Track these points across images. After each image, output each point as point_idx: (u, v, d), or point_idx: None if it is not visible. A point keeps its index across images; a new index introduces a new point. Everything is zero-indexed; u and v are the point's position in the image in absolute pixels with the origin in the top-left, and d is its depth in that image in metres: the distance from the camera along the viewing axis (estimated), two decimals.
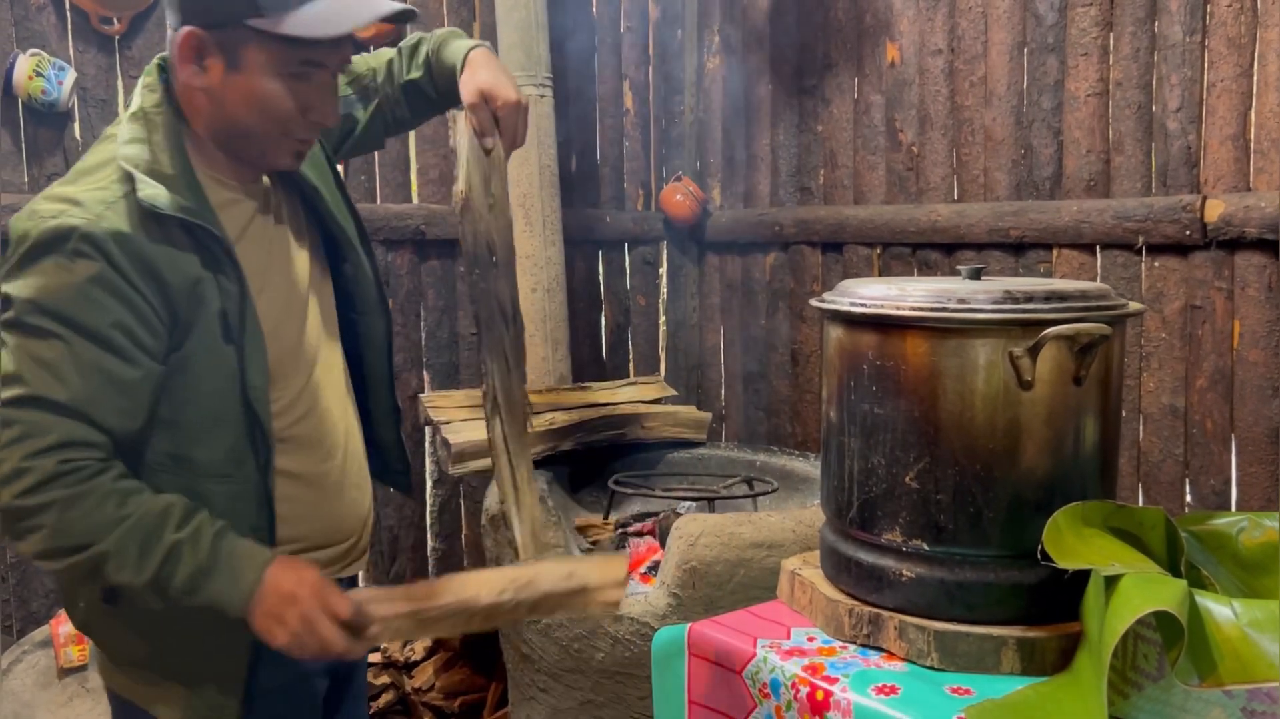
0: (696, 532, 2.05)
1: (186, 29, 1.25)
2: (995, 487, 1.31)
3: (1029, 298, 1.30)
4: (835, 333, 1.44)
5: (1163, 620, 1.08)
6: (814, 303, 1.47)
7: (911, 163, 2.79)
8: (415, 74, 1.58)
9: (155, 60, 1.34)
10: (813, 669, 1.31)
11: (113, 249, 1.18)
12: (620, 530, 2.49)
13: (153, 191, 1.21)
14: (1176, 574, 1.18)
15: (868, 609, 1.38)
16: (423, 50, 1.58)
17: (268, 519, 1.32)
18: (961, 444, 1.31)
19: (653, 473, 2.80)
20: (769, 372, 3.22)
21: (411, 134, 2.91)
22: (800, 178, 3.11)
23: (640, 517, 2.55)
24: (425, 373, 2.99)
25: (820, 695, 1.27)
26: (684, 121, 3.40)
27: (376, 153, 2.80)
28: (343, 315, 1.53)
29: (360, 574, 1.60)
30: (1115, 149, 2.38)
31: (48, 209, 1.19)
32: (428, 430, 2.96)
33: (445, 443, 2.48)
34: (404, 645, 2.81)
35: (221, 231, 1.26)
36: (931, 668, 1.31)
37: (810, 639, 1.41)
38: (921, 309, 1.32)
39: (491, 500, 2.35)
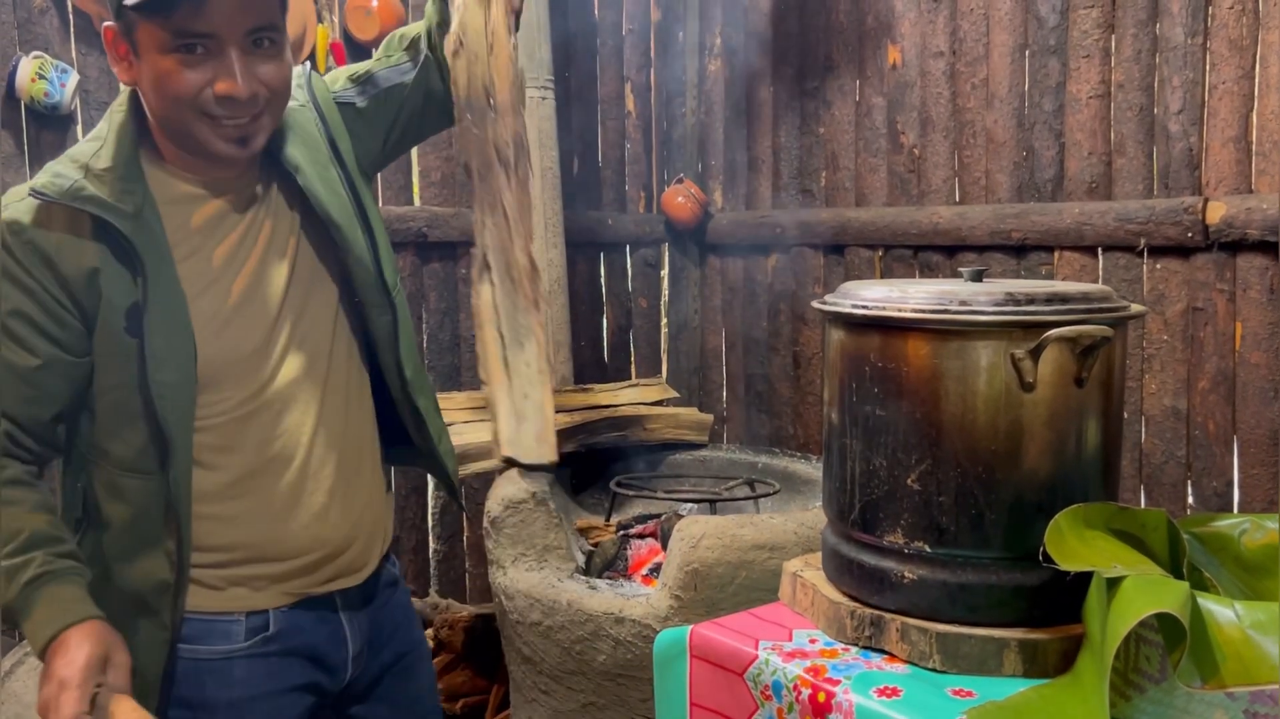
0: (698, 534, 2.05)
1: (105, 25, 1.26)
2: (997, 488, 1.31)
3: (1031, 300, 1.30)
4: (837, 335, 1.44)
5: (1165, 622, 1.08)
6: (816, 305, 1.47)
7: (913, 165, 2.79)
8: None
9: None
10: (815, 671, 1.31)
11: (8, 238, 1.22)
12: (622, 532, 2.49)
13: (45, 180, 1.23)
14: (1178, 576, 1.17)
15: (870, 611, 1.38)
16: None
17: (176, 521, 1.29)
18: (963, 446, 1.31)
19: (654, 475, 2.80)
20: (771, 373, 3.22)
21: None
22: (802, 180, 3.11)
23: (642, 518, 2.55)
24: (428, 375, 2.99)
25: (822, 697, 1.27)
26: (686, 124, 3.41)
27: None
28: (350, 306, 1.44)
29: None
30: (1117, 151, 2.38)
31: None
32: None
33: None
34: None
35: (123, 223, 1.23)
36: (933, 670, 1.31)
37: (812, 641, 1.41)
38: (923, 311, 1.32)
39: (493, 503, 2.35)
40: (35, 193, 1.22)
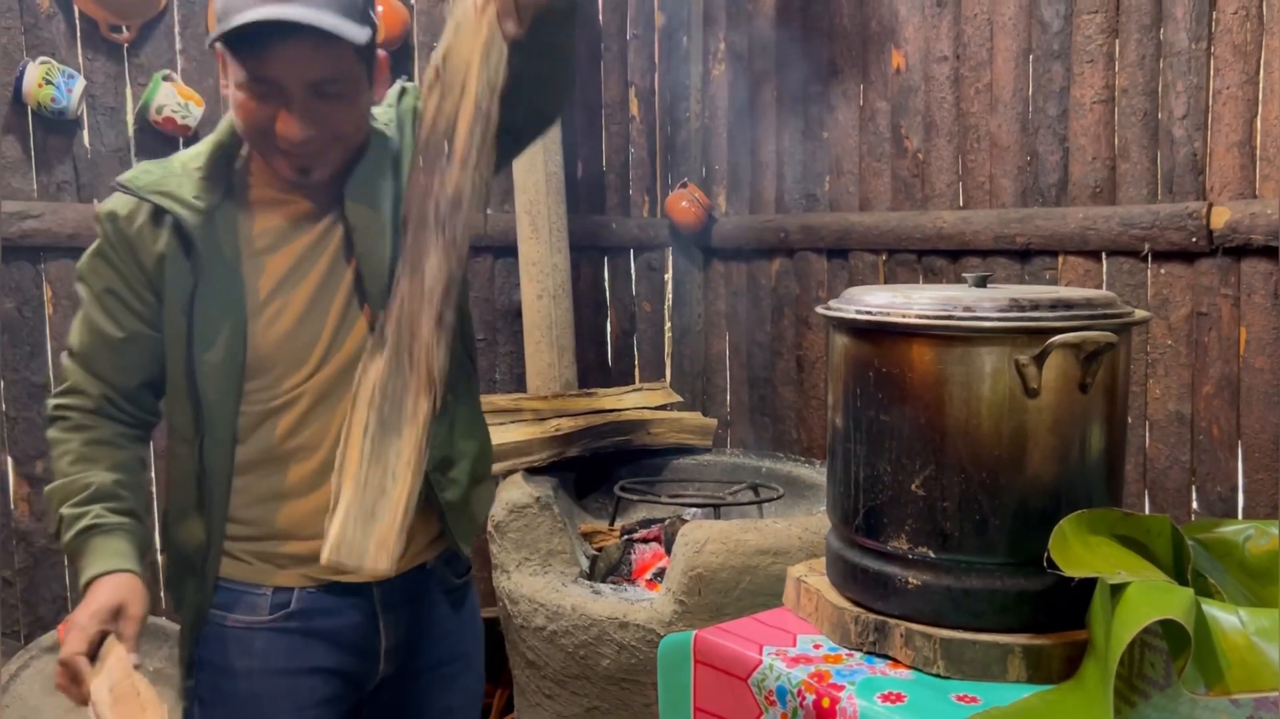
0: (702, 538, 2.05)
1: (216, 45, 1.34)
2: (1001, 494, 1.31)
3: (1035, 306, 1.30)
4: (841, 340, 1.44)
5: (1169, 629, 1.08)
6: (820, 310, 1.48)
7: (917, 169, 2.80)
8: None
9: None
10: (819, 676, 1.31)
11: (107, 226, 1.40)
12: (626, 537, 2.49)
13: (130, 175, 1.39)
14: (1183, 582, 1.17)
15: (874, 616, 1.38)
16: None
17: (210, 491, 1.40)
18: (967, 452, 1.31)
19: (658, 479, 2.80)
20: (774, 378, 3.22)
21: None
22: (806, 184, 3.11)
23: (646, 523, 2.55)
24: None
25: (826, 703, 1.27)
26: (689, 128, 3.41)
27: None
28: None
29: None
30: (1121, 156, 2.38)
31: None
32: None
33: None
34: None
35: (189, 215, 1.35)
36: (938, 676, 1.31)
37: (816, 646, 1.41)
38: (927, 317, 1.32)
39: (497, 507, 2.35)
40: (117, 184, 1.39)
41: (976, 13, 2.62)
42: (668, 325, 3.54)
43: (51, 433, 1.43)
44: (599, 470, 2.78)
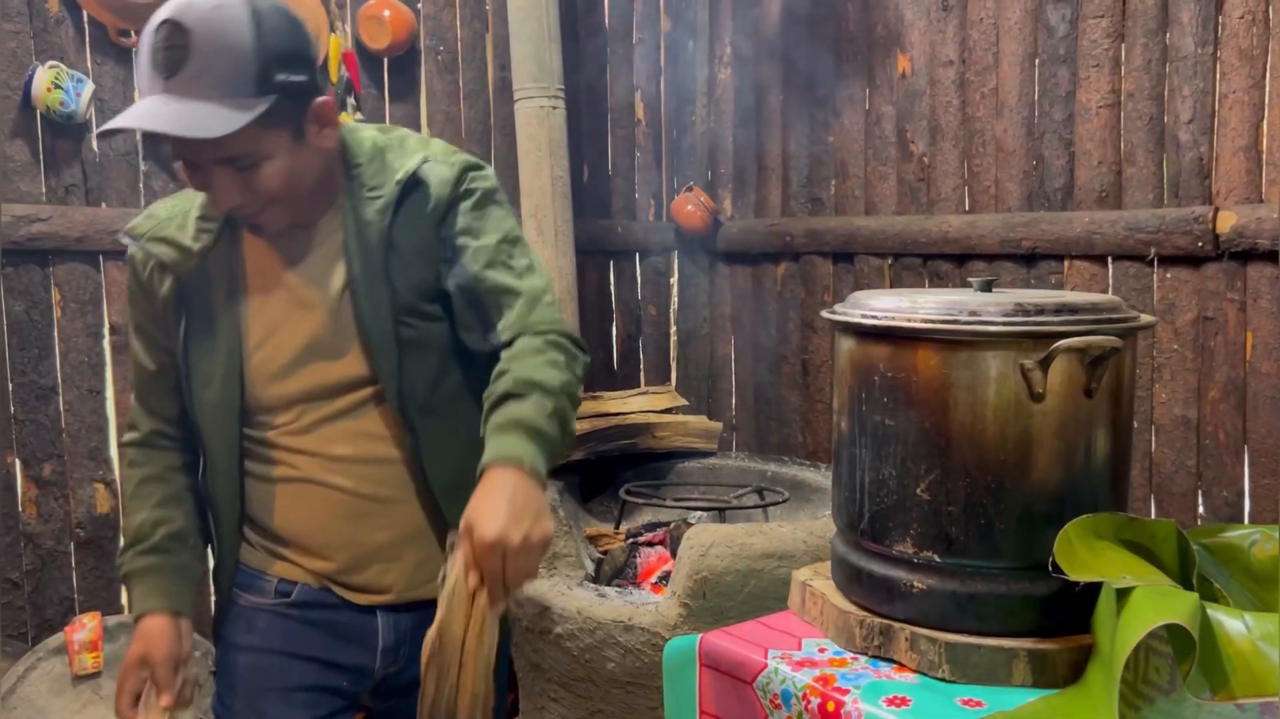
0: (707, 542, 2.05)
1: None
2: (1006, 498, 1.31)
3: (1040, 310, 1.31)
4: (846, 344, 1.44)
5: (1174, 633, 1.08)
6: (825, 314, 1.48)
7: (923, 173, 2.80)
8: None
9: None
10: (824, 680, 1.31)
11: (130, 269, 1.49)
12: (631, 540, 2.49)
13: (134, 222, 1.48)
14: (1188, 587, 1.17)
15: (879, 620, 1.38)
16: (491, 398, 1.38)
17: (216, 509, 1.51)
18: (973, 456, 1.31)
19: (664, 483, 2.80)
20: (780, 382, 3.22)
21: None
22: (811, 188, 3.12)
23: (651, 526, 2.56)
24: None
25: (831, 706, 1.27)
26: (695, 132, 3.42)
27: None
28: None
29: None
30: (1127, 160, 2.38)
31: None
32: None
33: None
34: None
35: (178, 260, 1.42)
36: (943, 680, 1.31)
37: (821, 650, 1.41)
38: (933, 321, 1.32)
39: None
40: (122, 233, 1.49)
41: (982, 17, 2.62)
42: (673, 329, 3.55)
43: (123, 471, 1.59)
44: (604, 474, 2.79)
